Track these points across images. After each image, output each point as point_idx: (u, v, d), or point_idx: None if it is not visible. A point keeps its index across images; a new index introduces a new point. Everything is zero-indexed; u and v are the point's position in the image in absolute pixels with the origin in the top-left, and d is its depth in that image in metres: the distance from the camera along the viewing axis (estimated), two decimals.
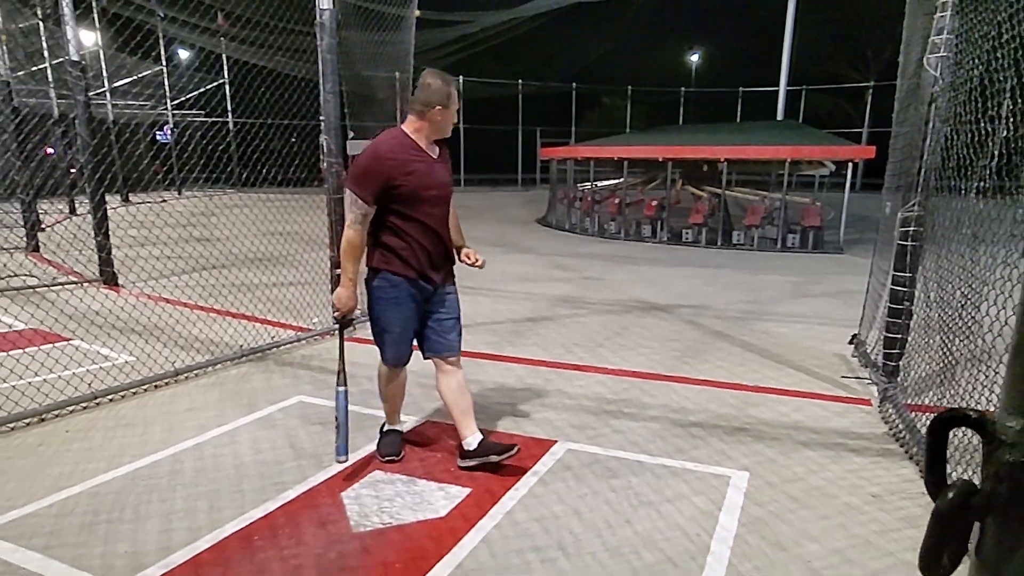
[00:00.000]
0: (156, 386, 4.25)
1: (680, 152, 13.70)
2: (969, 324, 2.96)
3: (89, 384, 4.06)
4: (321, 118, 4.85)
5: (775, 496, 2.99)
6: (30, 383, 4.06)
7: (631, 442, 3.54)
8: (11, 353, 4.57)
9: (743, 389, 4.40)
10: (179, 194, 22.31)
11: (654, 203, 13.40)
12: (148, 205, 17.99)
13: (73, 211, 14.89)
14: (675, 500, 2.94)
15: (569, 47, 28.93)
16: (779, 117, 21.49)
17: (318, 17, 4.70)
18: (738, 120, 28.52)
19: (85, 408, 3.86)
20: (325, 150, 4.88)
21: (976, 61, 3.00)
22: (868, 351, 4.81)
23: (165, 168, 24.16)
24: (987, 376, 2.83)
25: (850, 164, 12.47)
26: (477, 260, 3.23)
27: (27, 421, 3.60)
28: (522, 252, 11.28)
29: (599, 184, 15.54)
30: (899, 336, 3.91)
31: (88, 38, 19.75)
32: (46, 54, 13.32)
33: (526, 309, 6.84)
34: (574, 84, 30.03)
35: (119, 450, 3.34)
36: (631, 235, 13.47)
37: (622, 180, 14.69)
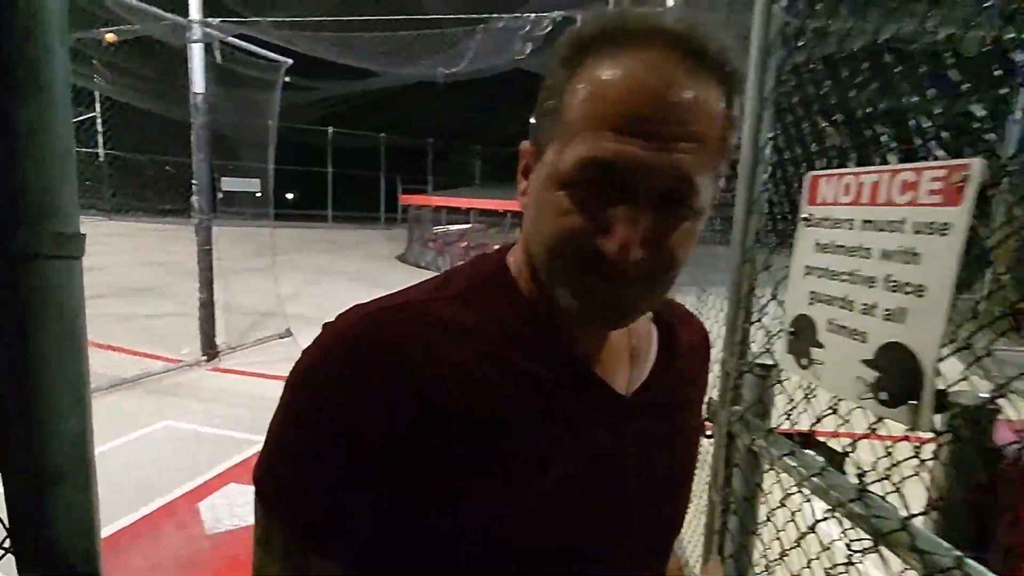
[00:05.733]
0: None
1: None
2: None
3: None
4: (194, 182, 4.95)
5: None
6: None
7: None
8: None
9: None
10: None
11: (496, 247, 14.20)
12: None
13: None
14: None
15: (427, 110, 29.51)
16: None
17: (192, 99, 4.85)
18: None
19: None
20: (196, 208, 4.98)
21: None
22: None
23: None
24: None
25: None
26: None
27: None
28: (382, 288, 11.47)
29: (451, 228, 16.16)
30: None
31: None
32: None
33: None
34: (430, 140, 30.66)
35: None
36: None
37: (470, 226, 15.44)
